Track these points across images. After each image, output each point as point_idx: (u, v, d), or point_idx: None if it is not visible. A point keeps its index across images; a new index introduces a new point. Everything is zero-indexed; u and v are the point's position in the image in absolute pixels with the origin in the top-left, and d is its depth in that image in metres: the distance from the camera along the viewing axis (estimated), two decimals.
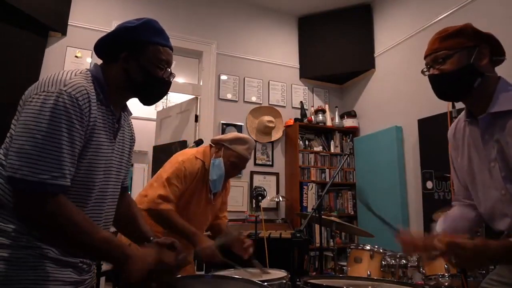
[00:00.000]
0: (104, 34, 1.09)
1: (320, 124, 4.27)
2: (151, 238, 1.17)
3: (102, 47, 1.09)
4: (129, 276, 0.91)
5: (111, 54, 1.07)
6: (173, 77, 1.16)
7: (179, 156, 1.89)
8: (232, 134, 1.98)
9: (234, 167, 1.92)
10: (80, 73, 1.01)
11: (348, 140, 4.34)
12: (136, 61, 1.06)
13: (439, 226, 1.38)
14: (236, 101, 4.14)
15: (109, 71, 1.07)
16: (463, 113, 1.31)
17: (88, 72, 1.03)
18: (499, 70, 1.24)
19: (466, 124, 1.27)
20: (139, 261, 0.93)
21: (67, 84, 0.93)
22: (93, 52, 3.73)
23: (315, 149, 4.21)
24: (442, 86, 1.21)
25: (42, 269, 0.92)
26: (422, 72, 1.26)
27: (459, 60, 1.15)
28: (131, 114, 1.21)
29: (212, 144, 1.97)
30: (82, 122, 0.94)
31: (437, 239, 1.05)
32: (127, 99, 1.15)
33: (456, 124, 1.36)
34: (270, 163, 4.17)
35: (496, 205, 1.18)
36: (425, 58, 1.24)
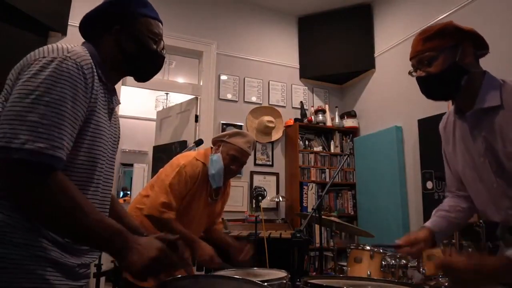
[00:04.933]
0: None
1: (320, 124, 4.27)
2: (143, 233, 1.12)
3: (89, 24, 1.04)
4: (130, 266, 0.83)
5: (100, 30, 1.02)
6: (165, 52, 1.13)
7: (181, 159, 1.89)
8: (232, 130, 1.99)
9: (234, 161, 1.89)
10: (76, 46, 0.94)
11: (348, 140, 4.34)
12: (128, 33, 1.02)
13: (432, 217, 1.40)
14: (236, 101, 4.14)
15: (100, 47, 1.01)
16: (453, 107, 1.32)
17: (84, 47, 0.97)
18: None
19: (456, 119, 1.29)
20: (142, 250, 0.84)
21: (70, 51, 0.87)
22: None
23: (315, 149, 4.21)
24: (429, 87, 1.21)
25: (39, 275, 0.80)
26: (410, 73, 1.27)
27: (444, 61, 1.15)
28: (119, 102, 1.13)
29: (212, 145, 1.98)
30: (86, 93, 0.87)
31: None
32: (120, 78, 1.10)
33: (447, 118, 1.37)
34: (270, 163, 4.17)
35: (488, 198, 1.20)
36: (410, 59, 1.25)
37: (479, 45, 1.20)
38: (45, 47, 0.88)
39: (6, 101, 0.82)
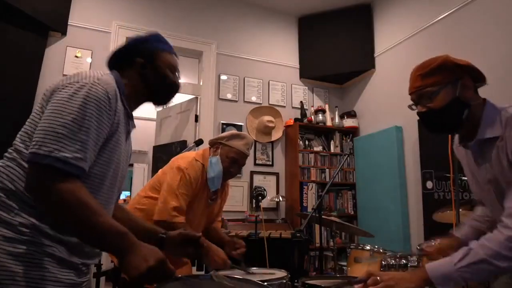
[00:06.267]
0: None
1: (320, 124, 4.27)
2: (163, 233, 1.21)
3: (116, 58, 1.19)
4: (128, 269, 0.89)
5: (126, 63, 1.17)
6: (180, 80, 1.27)
7: (181, 162, 1.88)
8: (229, 131, 1.98)
9: (233, 163, 1.90)
10: (105, 74, 1.07)
11: (348, 140, 4.34)
12: (152, 66, 1.17)
13: (464, 226, 1.48)
14: (236, 101, 4.14)
15: (125, 77, 1.14)
16: (457, 136, 1.35)
17: (112, 75, 1.10)
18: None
19: (461, 146, 1.30)
20: (143, 257, 0.91)
21: (100, 79, 1.00)
22: (93, 52, 3.73)
23: (315, 149, 4.21)
24: (432, 122, 1.23)
25: (45, 268, 0.91)
26: (410, 107, 1.28)
27: (445, 96, 1.16)
28: (135, 126, 1.24)
29: (210, 146, 1.97)
30: (110, 115, 0.99)
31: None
32: (138, 105, 1.23)
33: (456, 140, 1.39)
34: (270, 163, 4.17)
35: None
36: (410, 94, 1.25)
37: (477, 78, 1.21)
38: (79, 73, 1.02)
39: (42, 113, 0.96)
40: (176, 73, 1.25)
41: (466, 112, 1.16)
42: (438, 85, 1.16)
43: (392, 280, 1.06)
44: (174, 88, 1.25)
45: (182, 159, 1.90)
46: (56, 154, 0.86)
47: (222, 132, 3.89)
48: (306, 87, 4.54)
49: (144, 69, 1.16)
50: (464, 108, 1.16)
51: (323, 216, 2.26)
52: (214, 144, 1.94)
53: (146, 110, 6.44)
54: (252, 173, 4.03)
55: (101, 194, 1.04)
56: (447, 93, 1.16)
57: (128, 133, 1.16)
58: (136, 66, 1.16)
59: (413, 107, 1.26)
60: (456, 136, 1.40)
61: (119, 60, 1.19)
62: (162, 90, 1.22)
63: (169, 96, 1.26)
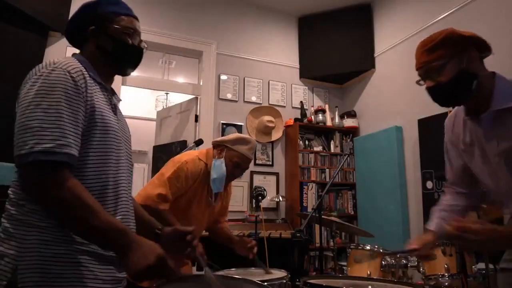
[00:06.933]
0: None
1: (320, 124, 4.27)
2: (159, 227, 1.19)
3: (73, 31, 1.13)
4: (129, 266, 0.88)
5: (81, 34, 1.11)
6: (145, 47, 1.19)
7: (183, 156, 1.90)
8: (234, 134, 1.98)
9: (237, 167, 1.91)
10: (62, 58, 1.03)
11: (348, 140, 4.34)
12: (104, 33, 1.09)
13: (434, 219, 1.45)
14: (236, 101, 4.14)
15: (86, 52, 1.10)
16: (460, 108, 1.32)
17: (73, 57, 1.06)
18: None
19: (467, 120, 1.29)
20: (143, 254, 0.89)
21: (56, 63, 0.96)
22: None
23: (315, 149, 4.21)
24: (441, 96, 1.22)
25: (85, 266, 0.91)
26: (418, 83, 1.27)
27: (452, 68, 1.16)
28: (120, 99, 1.20)
29: (214, 147, 1.98)
30: (79, 93, 0.94)
31: (447, 224, 1.06)
32: (111, 76, 1.17)
33: (455, 117, 1.37)
34: (270, 163, 4.17)
35: (508, 193, 1.22)
36: (417, 70, 1.25)
37: (482, 49, 1.20)
38: (37, 66, 0.98)
39: None
40: (136, 36, 1.14)
41: (475, 83, 1.16)
42: (444, 58, 1.16)
43: (484, 235, 1.00)
44: (134, 52, 1.14)
45: (185, 155, 1.92)
46: (38, 148, 0.84)
47: (222, 132, 3.91)
48: (306, 87, 4.54)
49: (97, 37, 1.08)
50: (473, 79, 1.16)
51: (323, 216, 2.26)
52: (218, 146, 1.94)
53: (146, 110, 6.45)
54: (252, 173, 4.03)
55: (111, 191, 1.01)
56: (454, 66, 1.16)
57: (114, 107, 1.10)
58: (90, 36, 1.09)
59: (421, 82, 1.25)
60: (451, 115, 1.38)
61: (75, 34, 1.12)
62: (120, 57, 1.11)
63: (131, 62, 1.16)
